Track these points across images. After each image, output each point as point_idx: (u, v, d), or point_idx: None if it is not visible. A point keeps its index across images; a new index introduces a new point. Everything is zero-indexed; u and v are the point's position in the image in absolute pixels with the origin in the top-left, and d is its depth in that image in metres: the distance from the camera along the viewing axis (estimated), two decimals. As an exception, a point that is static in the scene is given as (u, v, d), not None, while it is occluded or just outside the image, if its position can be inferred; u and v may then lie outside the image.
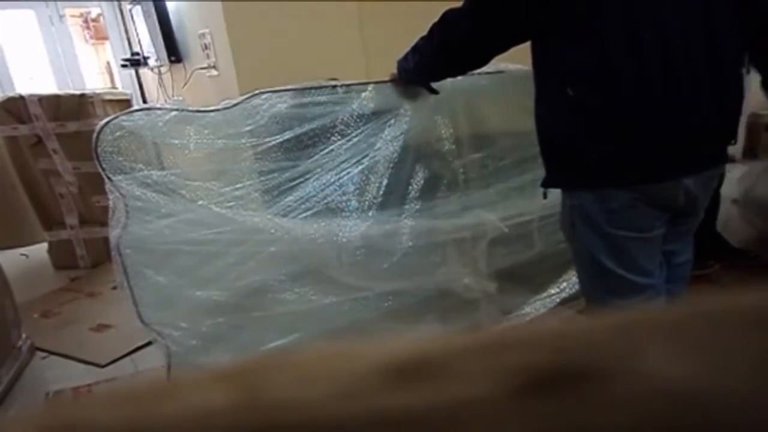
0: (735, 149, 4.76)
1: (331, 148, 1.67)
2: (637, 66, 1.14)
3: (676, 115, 1.16)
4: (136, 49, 4.31)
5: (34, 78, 5.50)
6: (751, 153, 4.72)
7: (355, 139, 1.68)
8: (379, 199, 1.73)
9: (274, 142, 1.61)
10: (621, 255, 1.27)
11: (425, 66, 1.47)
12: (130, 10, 3.84)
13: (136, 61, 4.18)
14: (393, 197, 1.76)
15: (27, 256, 3.47)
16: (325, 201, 1.68)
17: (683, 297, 1.40)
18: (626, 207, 1.22)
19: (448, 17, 1.31)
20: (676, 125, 1.17)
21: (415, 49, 1.45)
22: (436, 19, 1.35)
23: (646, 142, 1.17)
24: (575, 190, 1.28)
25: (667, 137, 1.18)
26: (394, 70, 1.60)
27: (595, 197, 1.24)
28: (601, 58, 1.14)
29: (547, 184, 1.33)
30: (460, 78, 1.65)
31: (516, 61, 1.71)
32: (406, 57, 1.51)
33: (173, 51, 3.44)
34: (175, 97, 3.44)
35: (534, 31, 1.22)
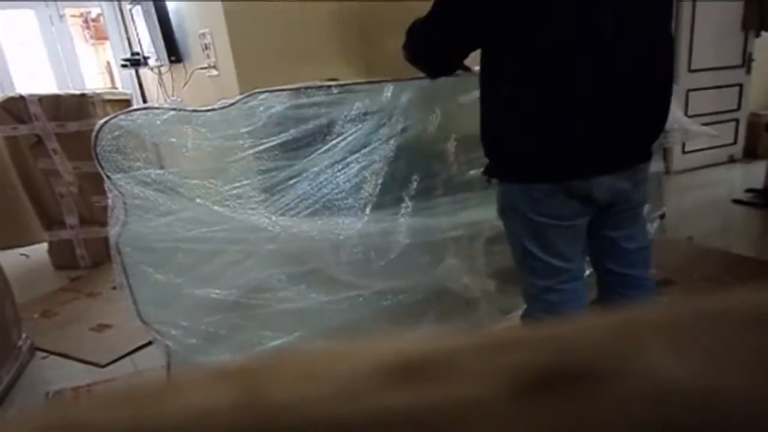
0: (735, 149, 4.78)
1: (328, 146, 1.68)
2: (567, 67, 1.22)
3: (601, 116, 1.25)
4: (136, 49, 4.31)
5: (35, 78, 5.50)
6: (751, 153, 4.72)
7: (352, 138, 1.69)
8: (377, 198, 1.73)
9: (271, 142, 1.61)
10: (540, 239, 1.39)
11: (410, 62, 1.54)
12: (130, 10, 3.85)
13: (136, 61, 4.18)
14: (391, 195, 1.76)
15: (27, 256, 3.47)
16: (324, 199, 1.68)
17: (646, 284, 1.51)
18: (546, 197, 1.33)
19: (415, 22, 1.41)
20: (600, 126, 1.26)
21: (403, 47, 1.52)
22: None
23: (568, 140, 1.26)
24: (504, 180, 1.40)
25: (589, 137, 1.26)
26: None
27: (520, 187, 1.36)
28: (536, 62, 1.23)
29: (486, 172, 1.44)
30: (460, 76, 1.66)
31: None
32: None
33: (173, 51, 3.44)
34: (173, 98, 3.45)
35: (486, 34, 1.29)
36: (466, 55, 1.43)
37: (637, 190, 1.41)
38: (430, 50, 1.42)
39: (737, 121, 4.66)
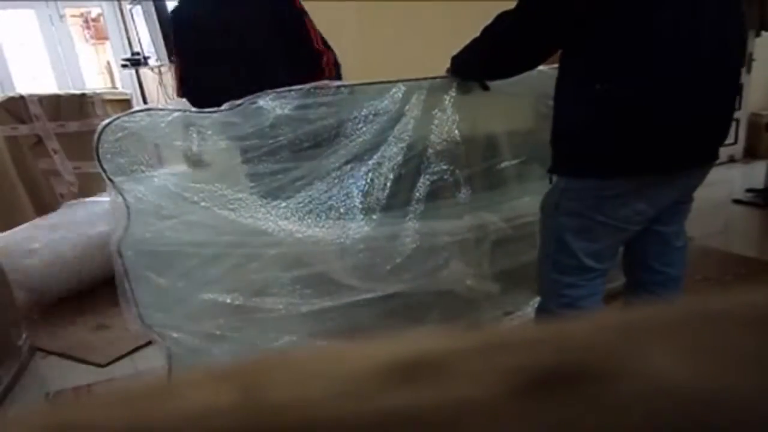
0: (735, 149, 4.77)
1: (333, 149, 1.67)
2: (662, 65, 1.22)
3: (691, 112, 1.25)
4: (137, 49, 4.31)
5: (35, 78, 5.50)
6: (751, 153, 4.72)
7: (359, 140, 1.68)
8: (383, 201, 1.73)
9: (276, 144, 1.61)
10: (586, 236, 1.38)
11: (475, 64, 1.55)
12: (130, 10, 3.85)
13: (136, 61, 4.19)
14: (396, 199, 1.76)
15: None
16: (328, 203, 1.68)
17: (680, 284, 1.52)
18: (618, 195, 1.32)
19: (499, 17, 1.39)
20: (689, 123, 1.26)
21: (469, 47, 1.52)
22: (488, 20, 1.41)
23: (660, 136, 1.26)
24: (575, 176, 1.37)
25: (679, 133, 1.26)
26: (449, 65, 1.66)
27: (593, 184, 1.34)
28: (632, 60, 1.23)
29: (554, 170, 1.42)
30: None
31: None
32: (460, 53, 1.57)
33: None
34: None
35: (574, 32, 1.29)
36: (549, 55, 1.40)
37: (696, 188, 1.43)
38: (513, 50, 1.40)
39: (737, 121, 4.66)
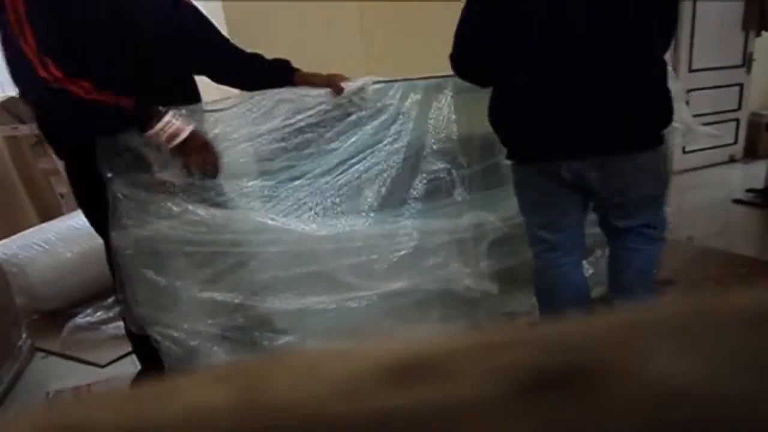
0: (736, 149, 4.77)
1: (332, 147, 1.67)
2: (539, 61, 1.38)
3: (567, 105, 1.39)
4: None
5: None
6: (751, 153, 4.72)
7: (357, 139, 1.68)
8: (381, 199, 1.73)
9: (275, 142, 1.61)
10: (531, 211, 1.63)
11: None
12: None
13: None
14: (394, 197, 1.76)
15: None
16: (327, 201, 1.68)
17: (647, 259, 1.61)
18: (529, 176, 1.56)
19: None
20: (566, 115, 1.40)
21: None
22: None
23: (540, 127, 1.44)
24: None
25: (557, 124, 1.42)
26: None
27: (513, 166, 1.60)
28: (516, 56, 1.41)
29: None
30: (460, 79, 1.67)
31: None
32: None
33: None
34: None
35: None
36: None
37: (618, 180, 1.48)
38: (467, 70, 1.57)
39: (738, 121, 4.66)
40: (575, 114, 1.39)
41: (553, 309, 1.63)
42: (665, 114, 1.45)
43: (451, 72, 1.68)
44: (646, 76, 1.40)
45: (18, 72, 1.35)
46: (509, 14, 1.39)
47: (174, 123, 1.39)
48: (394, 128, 1.72)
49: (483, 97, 1.62)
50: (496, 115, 1.53)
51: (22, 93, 1.48)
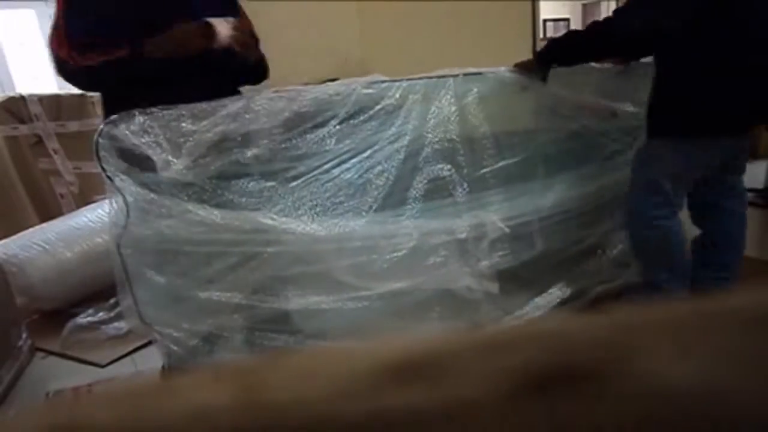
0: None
1: (332, 147, 1.67)
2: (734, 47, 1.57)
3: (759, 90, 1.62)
4: (137, 49, 4.31)
5: (35, 77, 5.50)
6: (751, 153, 4.71)
7: (358, 138, 1.68)
8: (381, 199, 1.73)
9: (275, 142, 1.61)
10: (674, 181, 1.77)
11: (582, 47, 1.76)
12: (131, 10, 3.84)
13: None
14: (395, 197, 1.76)
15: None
16: (327, 200, 1.68)
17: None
18: (695, 148, 1.74)
19: (618, 8, 1.74)
20: (756, 98, 1.65)
21: (576, 32, 1.84)
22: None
23: (742, 104, 1.65)
24: (671, 135, 1.74)
25: (754, 101, 1.66)
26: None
27: (678, 139, 1.73)
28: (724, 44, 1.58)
29: (652, 133, 1.77)
30: (460, 78, 1.66)
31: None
32: (561, 37, 1.84)
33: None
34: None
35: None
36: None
37: (743, 156, 2.01)
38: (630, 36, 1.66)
39: (737, 121, 4.66)
40: (757, 98, 1.65)
41: (676, 269, 1.87)
42: None
43: (451, 72, 1.68)
44: None
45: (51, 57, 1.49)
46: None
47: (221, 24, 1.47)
48: (394, 128, 1.72)
49: (483, 96, 1.62)
50: (701, 85, 1.63)
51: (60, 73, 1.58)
